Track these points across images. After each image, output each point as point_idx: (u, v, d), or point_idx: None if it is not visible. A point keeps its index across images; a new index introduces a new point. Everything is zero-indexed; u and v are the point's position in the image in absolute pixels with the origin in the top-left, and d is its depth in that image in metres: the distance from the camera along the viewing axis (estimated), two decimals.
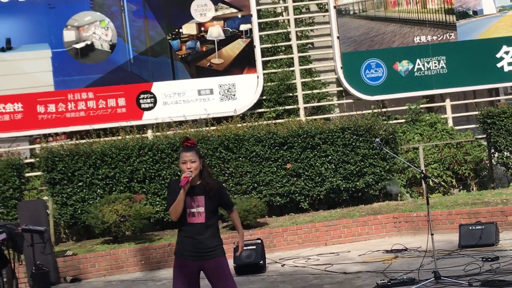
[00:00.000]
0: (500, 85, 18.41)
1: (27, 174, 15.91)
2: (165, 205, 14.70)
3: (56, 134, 17.37)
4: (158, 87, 16.96)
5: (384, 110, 17.81)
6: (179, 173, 14.79)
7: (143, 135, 16.00)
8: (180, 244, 5.94)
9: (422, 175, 8.95)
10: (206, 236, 5.84)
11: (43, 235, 10.13)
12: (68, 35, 16.91)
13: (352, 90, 17.63)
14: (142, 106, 16.90)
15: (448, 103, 17.85)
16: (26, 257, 11.37)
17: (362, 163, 15.27)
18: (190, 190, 5.83)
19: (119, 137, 15.45)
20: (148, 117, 16.85)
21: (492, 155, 16.65)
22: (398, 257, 10.89)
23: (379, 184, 15.39)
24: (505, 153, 16.14)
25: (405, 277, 8.73)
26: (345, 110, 17.66)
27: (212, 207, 5.91)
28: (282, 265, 11.45)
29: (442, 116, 17.58)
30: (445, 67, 17.57)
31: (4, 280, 10.69)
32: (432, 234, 8.57)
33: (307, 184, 15.18)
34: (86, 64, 16.90)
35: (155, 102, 16.91)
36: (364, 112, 17.08)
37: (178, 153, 6.25)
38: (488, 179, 16.73)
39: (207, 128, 15.87)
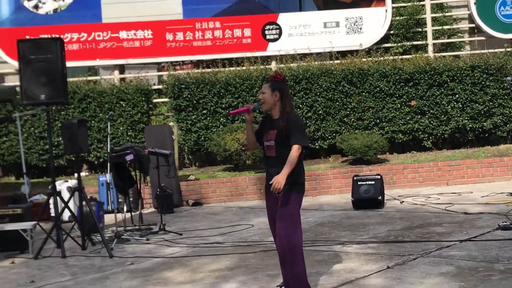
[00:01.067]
0: None
1: (154, 100, 16.40)
2: None
3: (183, 62, 17.73)
4: (284, 19, 16.88)
5: None
6: (300, 105, 14.83)
7: (267, 66, 16.06)
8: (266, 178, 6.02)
9: None
10: (278, 170, 5.70)
11: (168, 158, 10.47)
12: None
13: (485, 27, 16.92)
14: (267, 37, 16.91)
15: None
16: (151, 179, 11.84)
17: (491, 103, 14.74)
18: (269, 124, 5.90)
19: (243, 68, 15.59)
20: (273, 49, 16.86)
21: None
22: None
23: (508, 125, 14.85)
24: None
25: None
26: (476, 47, 16.99)
27: (283, 142, 5.78)
28: (401, 202, 11.35)
29: None
30: None
31: (131, 199, 11.22)
32: None
33: (432, 122, 14.85)
34: None
35: (280, 34, 16.87)
36: (496, 50, 16.38)
37: None
38: None
39: (331, 62, 15.72)
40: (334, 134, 14.76)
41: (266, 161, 5.98)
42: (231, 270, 7.19)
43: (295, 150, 5.70)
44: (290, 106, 5.93)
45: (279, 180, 5.62)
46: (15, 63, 14.75)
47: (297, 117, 5.95)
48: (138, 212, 10.59)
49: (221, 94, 14.88)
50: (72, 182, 11.43)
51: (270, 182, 5.67)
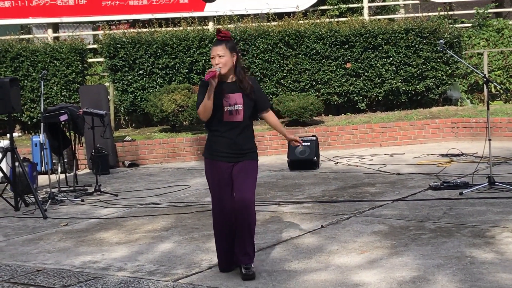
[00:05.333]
0: None
1: (89, 60, 16.13)
2: None
3: (119, 21, 17.45)
4: None
5: (450, 13, 17.32)
6: None
7: (204, 27, 15.95)
8: (213, 145, 5.46)
9: (485, 79, 8.75)
10: (242, 136, 5.42)
11: (103, 118, 10.33)
12: None
13: None
14: None
15: None
16: (86, 140, 11.72)
17: (424, 66, 15.01)
18: (225, 88, 5.36)
19: (181, 28, 15.45)
20: (210, 9, 16.76)
21: None
22: (453, 162, 10.83)
23: (440, 88, 15.16)
24: None
25: (458, 181, 8.70)
26: (411, 11, 17.24)
27: (249, 105, 5.42)
28: (335, 163, 11.52)
29: (511, 22, 17.01)
30: None
31: (65, 160, 11.08)
32: (489, 140, 8.46)
33: (366, 84, 15.04)
34: None
35: None
36: (430, 14, 16.65)
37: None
38: None
39: (268, 23, 15.70)
40: (271, 96, 14.81)
41: (226, 127, 5.40)
42: (167, 231, 7.21)
43: (273, 114, 5.74)
44: (243, 68, 5.53)
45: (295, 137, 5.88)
46: None
47: (254, 79, 5.64)
48: (72, 173, 10.47)
49: (158, 54, 14.73)
50: (5, 143, 11.18)
51: (295, 140, 5.80)
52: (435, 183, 8.77)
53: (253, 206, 5.57)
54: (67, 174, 10.67)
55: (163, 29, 15.48)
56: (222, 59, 5.32)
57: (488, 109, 8.58)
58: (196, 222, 7.57)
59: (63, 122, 10.09)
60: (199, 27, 15.48)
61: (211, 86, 5.25)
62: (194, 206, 8.52)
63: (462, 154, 11.36)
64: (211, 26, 16.51)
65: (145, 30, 15.57)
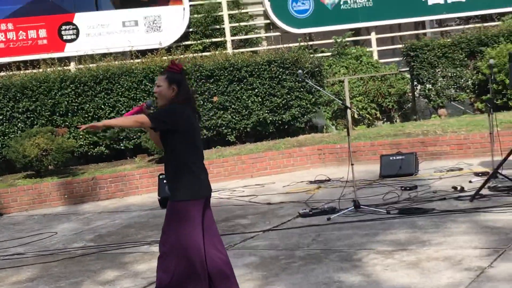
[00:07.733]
0: (424, 18, 18.58)
1: None
2: (89, 139, 14.52)
3: None
4: (81, 18, 16.49)
5: (310, 43, 17.81)
6: (102, 106, 14.56)
7: (65, 68, 15.59)
8: None
9: (343, 106, 9.00)
10: (167, 171, 5.20)
11: None
12: None
13: (279, 23, 17.54)
14: (64, 37, 16.44)
15: (373, 36, 17.96)
16: None
17: (288, 96, 15.29)
18: None
19: (40, 70, 15.03)
20: (71, 49, 16.42)
21: (415, 88, 16.91)
22: (321, 188, 11.04)
23: (305, 116, 15.48)
24: (427, 85, 16.39)
25: (326, 207, 8.87)
26: (273, 43, 17.58)
27: (165, 142, 5.17)
28: None
29: (368, 50, 17.70)
30: (370, 0, 17.59)
31: None
32: (352, 164, 8.68)
33: (234, 117, 15.15)
34: None
35: (77, 34, 16.47)
36: (291, 45, 17.05)
37: None
38: (411, 111, 17.01)
39: (132, 61, 15.57)
40: (139, 134, 14.62)
41: None
42: (32, 281, 6.90)
43: (143, 117, 5.08)
44: (180, 100, 5.21)
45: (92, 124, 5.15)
46: None
47: (171, 106, 5.19)
48: None
49: (17, 98, 14.22)
50: None
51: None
52: (304, 210, 8.89)
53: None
54: None
55: (21, 72, 15.00)
56: (157, 89, 5.20)
57: (348, 134, 8.83)
58: (63, 270, 7.28)
59: None
60: (60, 68, 15.11)
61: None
62: (61, 253, 8.21)
63: (329, 180, 11.59)
64: (72, 66, 16.18)
65: (2, 74, 15.02)
